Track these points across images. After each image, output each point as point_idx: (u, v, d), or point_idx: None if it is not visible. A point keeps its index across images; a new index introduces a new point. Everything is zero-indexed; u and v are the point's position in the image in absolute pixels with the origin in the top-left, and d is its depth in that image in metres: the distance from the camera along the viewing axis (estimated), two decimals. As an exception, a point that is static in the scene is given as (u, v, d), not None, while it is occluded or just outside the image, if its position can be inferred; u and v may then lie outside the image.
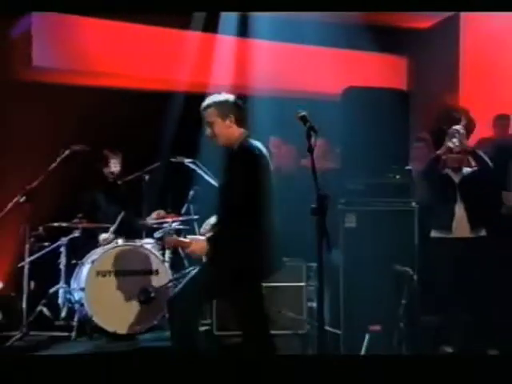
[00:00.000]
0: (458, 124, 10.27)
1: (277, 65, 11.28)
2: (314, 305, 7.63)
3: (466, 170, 8.41)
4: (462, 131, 8.65)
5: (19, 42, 10.61)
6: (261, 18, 11.02)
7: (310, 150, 5.44)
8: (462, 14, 11.97)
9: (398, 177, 8.46)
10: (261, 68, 11.07)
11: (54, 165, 8.10)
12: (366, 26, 11.36)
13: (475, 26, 11.88)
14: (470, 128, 10.43)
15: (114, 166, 9.04)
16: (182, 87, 10.68)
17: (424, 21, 12.32)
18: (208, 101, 5.84)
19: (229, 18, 10.90)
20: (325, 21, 10.99)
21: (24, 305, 7.83)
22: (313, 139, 5.51)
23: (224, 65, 11.10)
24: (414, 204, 8.00)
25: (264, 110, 10.07)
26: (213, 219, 5.99)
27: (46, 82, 10.33)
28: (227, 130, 5.81)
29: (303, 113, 5.82)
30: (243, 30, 11.09)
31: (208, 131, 5.83)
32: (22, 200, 7.85)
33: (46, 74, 10.50)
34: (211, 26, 10.97)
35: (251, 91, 10.49)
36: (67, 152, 8.25)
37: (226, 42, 11.19)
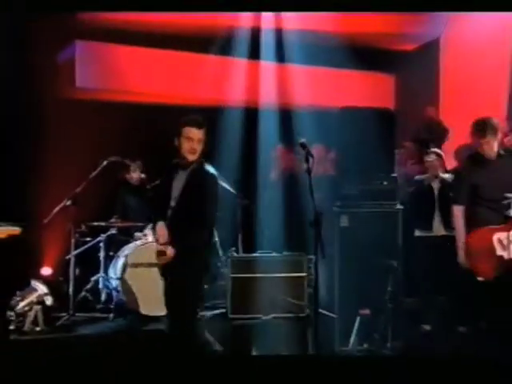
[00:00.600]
0: (435, 133, 10.70)
1: (284, 83, 11.22)
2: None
3: (443, 176, 8.44)
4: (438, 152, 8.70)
5: (65, 67, 10.78)
6: (269, 44, 11.02)
7: (309, 171, 5.58)
8: (442, 39, 12.10)
9: (385, 183, 8.48)
10: (270, 86, 11.04)
11: (94, 173, 8.25)
12: (359, 48, 11.33)
13: (453, 48, 12.02)
14: (444, 135, 10.76)
15: (134, 171, 9.05)
16: (199, 102, 10.45)
17: (409, 44, 12.41)
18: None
19: (241, 44, 10.84)
20: (325, 44, 11.02)
21: (70, 290, 7.97)
22: (310, 162, 5.64)
23: (236, 83, 11.05)
24: (398, 206, 7.99)
25: (271, 121, 10.32)
26: None
27: (87, 99, 10.42)
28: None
29: (303, 140, 6.00)
30: (253, 54, 11.05)
31: (195, 146, 5.57)
32: (68, 203, 8.03)
33: (87, 93, 10.64)
34: (226, 51, 10.91)
35: (261, 106, 10.68)
36: (105, 163, 8.35)
37: (238, 63, 11.13)
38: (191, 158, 5.62)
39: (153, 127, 9.82)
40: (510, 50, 11.39)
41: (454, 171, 8.49)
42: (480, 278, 6.55)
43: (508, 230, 6.41)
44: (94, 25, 10.50)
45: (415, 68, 12.24)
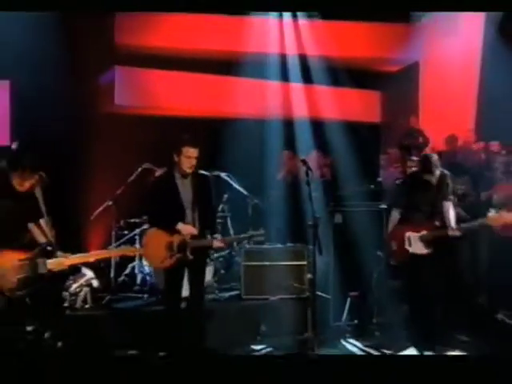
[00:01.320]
0: (417, 141, 10.53)
1: (289, 99, 11.21)
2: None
3: None
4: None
5: (106, 87, 10.84)
6: (273, 66, 11.04)
7: (308, 183, 5.88)
8: (421, 62, 12.08)
9: (372, 186, 8.73)
10: (277, 101, 11.02)
11: (131, 178, 8.31)
12: (352, 70, 11.51)
13: (430, 70, 12.01)
14: (425, 143, 10.55)
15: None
16: (217, 116, 10.79)
17: (393, 66, 12.39)
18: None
19: (249, 65, 10.79)
20: (321, 66, 11.13)
21: (112, 275, 8.09)
22: (309, 176, 5.96)
23: (245, 98, 11.00)
24: (383, 206, 8.07)
25: (278, 131, 10.33)
26: None
27: (124, 114, 10.51)
28: None
29: (303, 157, 6.35)
30: (261, 74, 11.02)
31: (193, 162, 5.96)
32: (110, 204, 8.10)
33: (124, 109, 10.71)
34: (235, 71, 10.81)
35: (268, 117, 10.63)
36: (140, 169, 8.37)
37: (246, 83, 11.11)
38: (189, 171, 6.03)
39: (178, 138, 9.79)
40: (476, 71, 11.35)
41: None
42: (392, 262, 7.08)
43: (416, 232, 6.74)
44: (129, 52, 10.62)
45: (398, 86, 12.30)
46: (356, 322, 7.70)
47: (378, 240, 7.82)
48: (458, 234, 6.60)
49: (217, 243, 6.17)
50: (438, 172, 6.88)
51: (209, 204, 6.22)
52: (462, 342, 6.73)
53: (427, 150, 9.97)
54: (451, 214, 6.83)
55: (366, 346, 7.03)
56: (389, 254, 7.21)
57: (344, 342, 7.25)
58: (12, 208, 5.67)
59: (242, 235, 6.72)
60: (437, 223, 6.75)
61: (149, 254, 6.42)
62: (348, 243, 8.10)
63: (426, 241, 6.68)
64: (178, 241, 6.02)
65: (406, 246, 6.83)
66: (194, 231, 6.06)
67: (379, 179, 9.18)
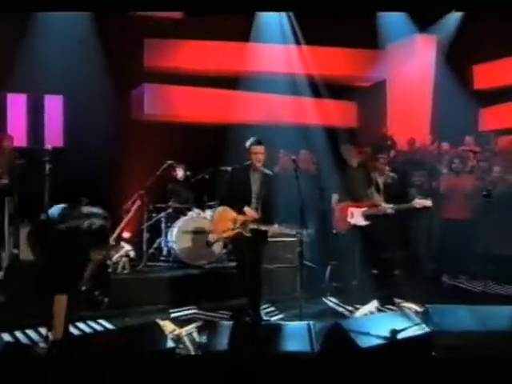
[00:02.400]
0: (386, 142, 10.42)
1: (282, 109, 11.01)
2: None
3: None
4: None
5: (136, 99, 10.88)
6: (271, 82, 10.87)
7: (297, 178, 5.95)
8: (388, 79, 12.13)
9: None
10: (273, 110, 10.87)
11: (158, 172, 8.30)
12: (333, 85, 11.49)
13: (395, 85, 12.07)
14: (393, 145, 10.53)
15: (179, 171, 8.80)
16: (227, 123, 10.51)
17: (366, 82, 12.40)
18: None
19: (252, 82, 10.73)
20: (308, 82, 11.14)
21: (144, 248, 8.12)
22: (298, 171, 6.07)
23: (248, 108, 11.00)
24: None
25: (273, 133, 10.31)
26: None
27: (152, 122, 10.46)
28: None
29: (293, 157, 6.40)
30: (261, 88, 10.95)
31: (261, 157, 6.03)
32: (141, 192, 7.99)
33: (152, 117, 10.67)
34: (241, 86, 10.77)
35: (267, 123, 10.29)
36: (165, 165, 8.44)
37: (250, 96, 11.11)
38: (258, 165, 6.14)
39: (195, 141, 9.88)
40: (431, 86, 11.67)
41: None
42: (335, 231, 7.30)
43: (357, 207, 7.03)
44: (156, 72, 10.62)
45: (370, 98, 12.29)
46: (335, 284, 7.68)
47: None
48: (390, 211, 6.92)
49: (273, 229, 6.16)
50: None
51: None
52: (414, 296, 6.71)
53: (393, 152, 10.07)
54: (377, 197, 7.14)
55: (340, 302, 7.11)
56: (333, 225, 7.37)
57: (325, 300, 7.29)
58: None
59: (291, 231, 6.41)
60: (374, 202, 7.03)
61: (215, 225, 6.45)
62: (329, 223, 7.98)
63: (365, 215, 6.96)
64: (241, 219, 6.10)
65: (349, 219, 7.07)
66: (255, 215, 6.14)
67: None
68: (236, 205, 6.15)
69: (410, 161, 9.88)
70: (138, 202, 7.67)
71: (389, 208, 6.95)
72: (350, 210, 7.07)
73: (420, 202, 6.89)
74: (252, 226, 6.10)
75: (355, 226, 7.05)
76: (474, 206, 8.10)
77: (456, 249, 8.03)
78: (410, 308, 5.56)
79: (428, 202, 6.91)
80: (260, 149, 6.17)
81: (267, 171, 6.36)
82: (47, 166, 6.01)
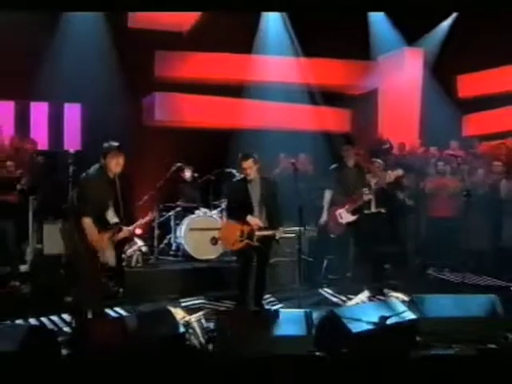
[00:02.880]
0: (383, 146, 10.31)
1: (282, 115, 11.07)
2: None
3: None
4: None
5: (148, 106, 10.93)
6: (272, 91, 10.91)
7: (295, 180, 6.07)
8: (379, 88, 12.13)
9: None
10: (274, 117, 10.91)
11: (168, 174, 8.40)
12: (329, 93, 11.53)
13: (386, 93, 12.10)
14: (391, 148, 10.45)
15: (187, 172, 8.80)
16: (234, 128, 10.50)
17: (360, 91, 12.34)
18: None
19: (254, 90, 10.78)
20: (307, 91, 11.20)
21: (155, 243, 8.17)
22: (297, 173, 6.18)
23: (251, 114, 10.92)
24: None
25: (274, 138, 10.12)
26: None
27: (162, 127, 10.49)
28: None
29: (293, 161, 6.51)
30: (262, 96, 10.95)
31: (251, 170, 5.76)
32: (152, 192, 8.18)
33: (163, 123, 10.71)
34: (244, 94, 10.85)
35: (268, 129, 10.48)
36: (174, 167, 8.53)
37: (252, 103, 11.08)
38: (250, 177, 5.92)
39: (202, 144, 9.86)
40: (419, 95, 11.76)
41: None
42: (332, 235, 7.24)
43: (342, 207, 7.04)
44: (165, 81, 10.67)
45: (363, 106, 12.22)
46: (331, 276, 7.71)
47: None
48: (368, 198, 7.09)
49: (278, 234, 5.98)
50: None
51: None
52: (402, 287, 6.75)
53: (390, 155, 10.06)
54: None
55: (335, 293, 7.16)
56: (328, 231, 7.29)
57: (321, 291, 7.31)
58: None
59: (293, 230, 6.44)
60: (355, 198, 7.06)
61: (224, 238, 6.40)
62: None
63: (350, 210, 7.00)
64: (247, 230, 5.95)
65: (339, 220, 7.09)
66: (259, 223, 5.96)
67: None
68: (240, 216, 6.03)
69: (400, 164, 9.90)
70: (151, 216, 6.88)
71: (366, 195, 7.02)
72: (338, 212, 7.09)
73: (392, 174, 7.04)
74: (258, 233, 5.97)
75: (348, 225, 7.09)
76: (457, 205, 8.17)
77: (441, 244, 8.17)
78: (397, 297, 5.61)
79: (400, 171, 7.03)
80: (247, 164, 5.93)
81: (265, 176, 6.25)
82: (71, 168, 6.10)
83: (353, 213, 7.04)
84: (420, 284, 7.44)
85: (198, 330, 4.67)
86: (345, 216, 7.06)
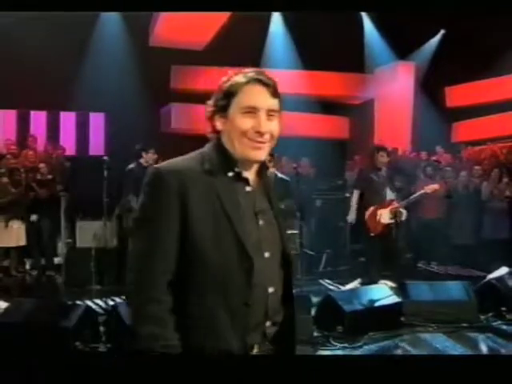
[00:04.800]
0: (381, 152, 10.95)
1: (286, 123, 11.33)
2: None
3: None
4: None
5: (165, 117, 11.38)
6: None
7: (297, 183, 6.36)
8: (376, 98, 12.41)
9: (340, 182, 9.33)
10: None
11: None
12: (328, 103, 11.88)
13: (381, 104, 12.40)
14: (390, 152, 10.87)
15: None
16: None
17: (357, 100, 12.69)
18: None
19: None
20: (308, 100, 11.51)
21: None
22: (299, 176, 6.46)
23: None
24: (347, 195, 8.26)
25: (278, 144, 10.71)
26: None
27: (177, 134, 10.79)
28: None
29: (295, 165, 6.81)
30: None
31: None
32: None
33: (178, 131, 11.08)
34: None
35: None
36: None
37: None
38: None
39: None
40: (411, 104, 12.11)
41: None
42: (372, 234, 7.03)
43: (384, 208, 6.93)
44: (181, 93, 11.04)
45: (360, 114, 12.56)
46: (329, 268, 7.98)
47: (342, 216, 7.95)
48: (406, 204, 7.08)
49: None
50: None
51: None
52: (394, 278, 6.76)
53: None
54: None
55: (334, 282, 7.34)
56: (368, 229, 7.03)
57: (321, 281, 7.43)
58: None
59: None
60: (394, 202, 7.01)
61: None
62: (324, 219, 8.60)
63: (392, 213, 6.88)
64: None
65: (380, 220, 6.89)
66: None
67: (345, 177, 9.65)
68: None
69: (392, 168, 10.29)
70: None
71: (405, 202, 7.00)
72: (379, 211, 6.94)
73: (430, 187, 7.01)
74: None
75: (386, 224, 6.94)
76: (443, 205, 8.62)
77: (428, 241, 8.59)
78: (386, 284, 6.10)
79: (436, 186, 7.04)
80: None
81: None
82: (105, 172, 6.58)
83: (393, 215, 6.97)
84: (410, 275, 7.47)
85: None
86: (385, 217, 6.97)
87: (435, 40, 11.60)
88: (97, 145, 10.78)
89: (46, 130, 10.42)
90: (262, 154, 1.72)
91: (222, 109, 1.75)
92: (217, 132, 1.77)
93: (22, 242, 7.87)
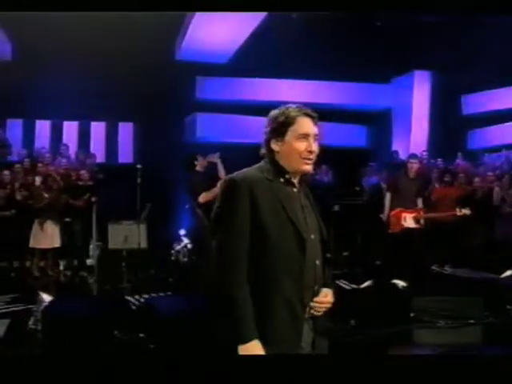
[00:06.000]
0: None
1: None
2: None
3: None
4: None
5: (190, 125, 11.56)
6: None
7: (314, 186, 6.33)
8: (393, 107, 12.61)
9: (357, 188, 9.64)
10: None
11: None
12: (349, 112, 11.99)
13: (399, 113, 12.57)
14: None
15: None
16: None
17: (376, 109, 12.72)
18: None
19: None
20: (329, 109, 11.01)
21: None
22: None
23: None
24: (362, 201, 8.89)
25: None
26: None
27: (202, 143, 10.84)
28: None
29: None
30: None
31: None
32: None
33: (202, 139, 11.19)
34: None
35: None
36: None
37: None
38: None
39: (236, 157, 9.74)
40: (427, 113, 12.33)
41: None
42: (390, 231, 7.51)
43: (410, 213, 7.39)
44: (205, 103, 11.41)
45: (378, 122, 12.79)
46: (345, 270, 8.11)
47: (358, 221, 8.53)
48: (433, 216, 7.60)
49: None
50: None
51: None
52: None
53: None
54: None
55: (349, 283, 7.36)
56: (388, 226, 7.56)
57: (338, 282, 7.33)
58: None
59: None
60: (420, 211, 7.47)
61: None
62: (342, 222, 8.63)
63: (416, 219, 7.38)
64: None
65: (402, 222, 7.39)
66: None
67: (361, 183, 10.00)
68: None
69: (421, 174, 10.22)
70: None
71: (433, 215, 7.53)
72: (403, 215, 7.39)
73: (462, 211, 7.41)
74: None
75: (408, 228, 7.41)
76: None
77: (443, 244, 8.87)
78: (398, 283, 6.49)
79: (467, 211, 7.36)
80: None
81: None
82: (138, 180, 7.09)
83: (416, 222, 7.44)
84: (425, 278, 7.70)
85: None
86: (409, 222, 7.38)
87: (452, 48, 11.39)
88: (125, 153, 11.33)
89: (78, 138, 11.06)
90: (311, 168, 2.44)
91: (280, 135, 2.40)
92: (271, 151, 2.43)
93: (57, 243, 8.46)
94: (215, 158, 7.06)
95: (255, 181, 2.35)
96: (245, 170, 2.44)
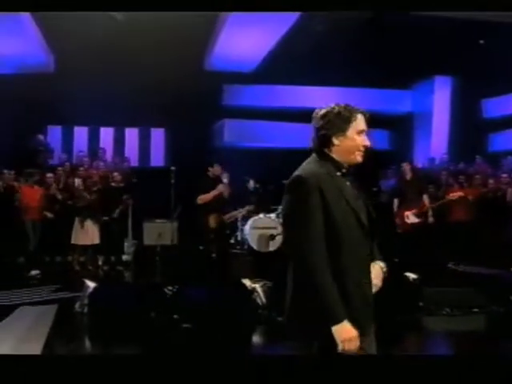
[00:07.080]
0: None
1: None
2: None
3: None
4: None
5: (218, 131, 11.99)
6: None
7: None
8: (414, 111, 12.94)
9: (374, 189, 9.81)
10: None
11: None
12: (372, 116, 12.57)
13: (420, 118, 12.88)
14: None
15: (251, 183, 9.46)
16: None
17: (397, 114, 12.88)
18: None
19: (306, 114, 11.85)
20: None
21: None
22: None
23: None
24: (382, 201, 9.19)
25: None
26: None
27: (229, 147, 11.52)
28: None
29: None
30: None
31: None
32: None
33: (229, 144, 11.76)
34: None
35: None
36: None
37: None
38: None
39: (263, 160, 10.57)
40: (447, 118, 12.67)
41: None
42: (399, 230, 8.22)
43: (410, 211, 8.01)
44: (232, 109, 11.78)
45: (401, 127, 12.91)
46: None
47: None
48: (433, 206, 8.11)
49: None
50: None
51: None
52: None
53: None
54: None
55: None
56: (396, 226, 8.24)
57: None
58: None
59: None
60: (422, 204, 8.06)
61: None
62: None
63: (416, 215, 8.06)
64: None
65: (406, 220, 8.08)
66: None
67: (379, 185, 10.41)
68: None
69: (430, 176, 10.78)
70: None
71: (432, 206, 8.05)
72: (406, 213, 8.15)
73: (455, 194, 8.08)
74: None
75: (412, 224, 8.14)
76: (472, 210, 9.29)
77: (457, 242, 9.20)
78: (410, 275, 6.83)
79: (461, 193, 8.04)
80: None
81: None
82: (172, 181, 7.71)
83: (418, 216, 8.13)
84: (441, 275, 8.08)
85: (260, 293, 6.31)
86: (411, 218, 8.10)
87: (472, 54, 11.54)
88: (157, 157, 12.00)
89: (113, 143, 11.79)
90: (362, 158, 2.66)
91: (342, 130, 2.59)
92: (329, 146, 2.59)
93: (97, 240, 9.17)
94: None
95: (321, 176, 2.51)
96: (304, 166, 2.58)
